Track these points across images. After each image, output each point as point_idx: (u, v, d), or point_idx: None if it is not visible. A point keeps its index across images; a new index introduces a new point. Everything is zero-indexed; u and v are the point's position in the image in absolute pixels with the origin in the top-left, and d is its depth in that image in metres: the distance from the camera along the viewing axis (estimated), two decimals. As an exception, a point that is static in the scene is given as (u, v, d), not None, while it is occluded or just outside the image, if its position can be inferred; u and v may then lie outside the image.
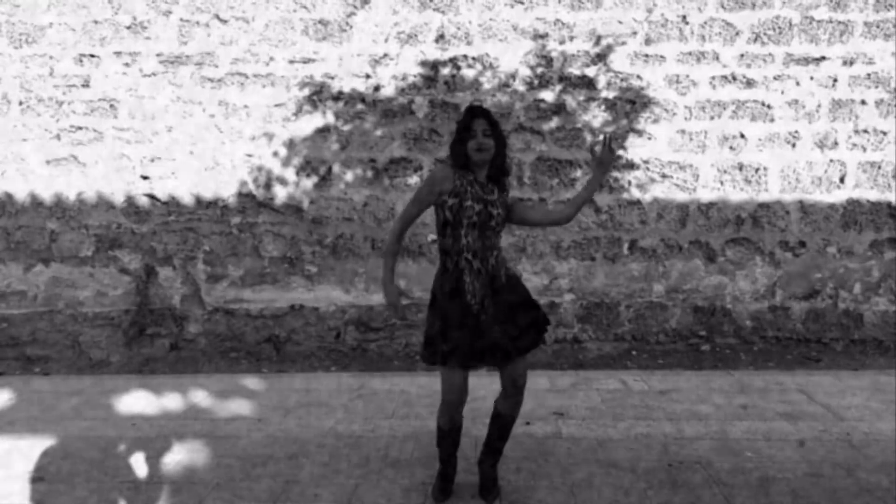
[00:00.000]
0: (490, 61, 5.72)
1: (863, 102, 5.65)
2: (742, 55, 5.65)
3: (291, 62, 5.78)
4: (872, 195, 5.71)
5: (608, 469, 3.33)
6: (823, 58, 5.62)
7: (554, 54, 5.70)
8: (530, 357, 3.07)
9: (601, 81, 5.72)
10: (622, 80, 5.71)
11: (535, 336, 2.95)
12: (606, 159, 2.93)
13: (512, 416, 3.04)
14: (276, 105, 5.81)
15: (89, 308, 5.95)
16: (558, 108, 5.74)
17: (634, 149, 5.73)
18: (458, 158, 2.87)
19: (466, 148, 2.84)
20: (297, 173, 5.85)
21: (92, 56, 5.82)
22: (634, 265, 5.84)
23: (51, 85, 5.84)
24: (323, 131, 5.82)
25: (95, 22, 5.80)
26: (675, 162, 5.74)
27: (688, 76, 5.68)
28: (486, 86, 5.73)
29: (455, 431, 3.02)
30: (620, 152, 5.72)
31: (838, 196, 5.72)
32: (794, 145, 5.70)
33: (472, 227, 2.83)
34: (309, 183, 5.86)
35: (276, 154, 5.84)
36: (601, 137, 2.87)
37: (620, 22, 5.65)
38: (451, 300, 2.85)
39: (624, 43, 5.67)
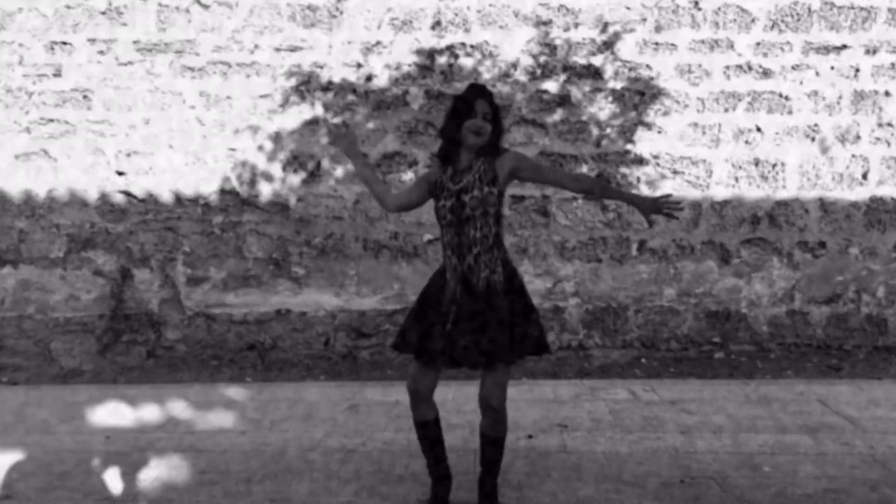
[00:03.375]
0: (490, 49, 5.72)
1: (886, 94, 5.66)
2: (758, 43, 5.65)
3: (278, 50, 5.77)
4: (897, 192, 5.73)
5: (616, 485, 3.32)
6: (845, 46, 5.63)
7: (558, 42, 5.70)
8: (520, 368, 3.06)
9: (608, 71, 5.71)
10: (630, 69, 5.70)
11: (509, 353, 2.80)
12: (653, 213, 2.79)
13: (493, 435, 2.94)
14: (262, 96, 5.79)
15: (61, 313, 5.92)
16: (562, 100, 5.74)
17: (643, 143, 5.73)
18: (448, 137, 2.88)
19: (461, 127, 2.81)
20: (284, 169, 5.84)
21: (64, 43, 5.80)
22: (643, 267, 5.84)
23: (20, 74, 5.82)
24: (311, 124, 5.81)
25: (68, 7, 5.78)
26: (687, 157, 5.74)
27: (700, 65, 5.68)
28: (486, 75, 5.72)
29: (430, 426, 3.03)
30: (628, 147, 5.72)
31: (861, 193, 5.73)
32: (813, 139, 5.70)
33: (448, 225, 2.87)
34: (296, 179, 5.85)
35: (261, 148, 5.83)
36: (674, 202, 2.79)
37: (628, 8, 5.65)
38: (430, 292, 2.93)
39: (632, 30, 5.67)
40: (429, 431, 3.04)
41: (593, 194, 3.05)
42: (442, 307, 2.86)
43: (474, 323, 2.80)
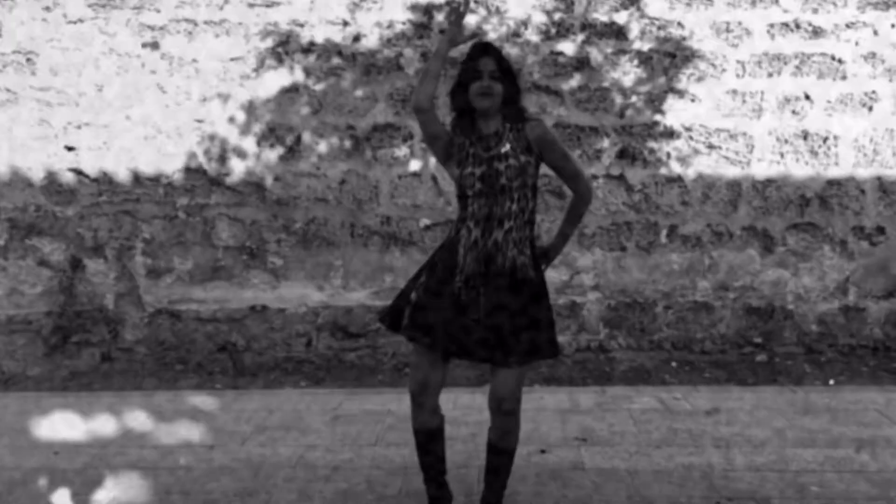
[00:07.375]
0: (497, 5, 5.70)
1: (956, 56, 5.65)
2: (808, -3, 5.64)
3: (251, 6, 5.74)
4: (967, 170, 5.72)
5: (642, 507, 3.32)
6: (908, 0, 5.62)
7: (575, -4, 5.69)
8: (532, 373, 3.05)
9: (633, 30, 5.69)
10: (659, 28, 5.68)
11: (527, 354, 2.84)
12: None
13: (503, 447, 2.99)
14: (233, 59, 5.78)
15: (2, 310, 5.93)
16: (581, 63, 5.72)
17: (674, 113, 5.71)
18: (459, 107, 2.89)
19: (469, 92, 2.84)
20: (259, 143, 5.83)
21: (3, -2, 5.79)
22: (675, 256, 5.83)
23: (-48, 34, 5.81)
24: (290, 91, 5.80)
25: (7, -45, 5.76)
26: (725, 129, 5.72)
27: (740, 23, 5.65)
28: (492, 35, 5.70)
29: (433, 437, 3.02)
30: (657, 117, 5.70)
31: (925, 171, 5.73)
32: (871, 109, 5.68)
33: (478, 195, 2.84)
34: (273, 155, 5.84)
35: (232, 119, 5.82)
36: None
37: (658, -44, 5.64)
38: (436, 268, 2.90)
39: (662, -18, 5.66)
40: (431, 443, 3.04)
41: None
42: (454, 285, 2.83)
43: (494, 310, 2.80)
